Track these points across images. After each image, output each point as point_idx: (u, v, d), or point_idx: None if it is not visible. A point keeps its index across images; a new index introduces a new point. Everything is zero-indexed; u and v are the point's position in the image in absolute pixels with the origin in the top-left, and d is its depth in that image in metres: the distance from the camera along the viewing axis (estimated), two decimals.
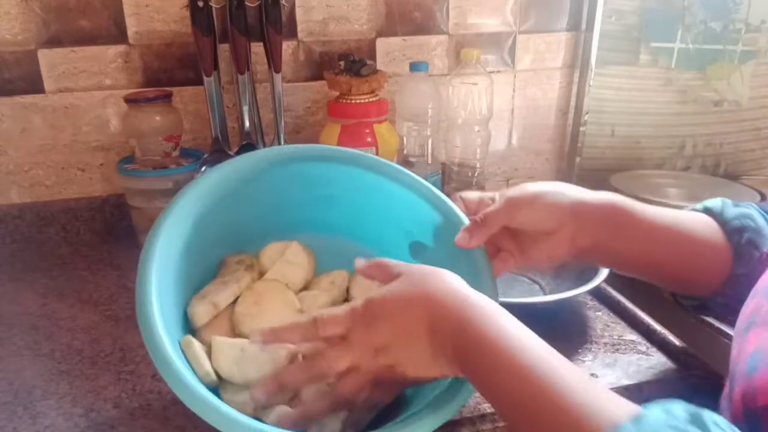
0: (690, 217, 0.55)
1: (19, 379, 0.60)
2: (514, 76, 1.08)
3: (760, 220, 0.53)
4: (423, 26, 1.00)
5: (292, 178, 0.58)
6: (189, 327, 0.53)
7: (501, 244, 0.56)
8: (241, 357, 0.49)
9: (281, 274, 0.58)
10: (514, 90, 1.09)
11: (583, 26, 1.06)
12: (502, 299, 0.50)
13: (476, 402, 0.55)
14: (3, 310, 0.73)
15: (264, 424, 0.42)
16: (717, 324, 0.71)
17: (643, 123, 1.15)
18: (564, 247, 0.53)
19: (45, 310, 0.73)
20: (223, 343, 0.50)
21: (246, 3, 0.79)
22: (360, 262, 0.52)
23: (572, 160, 1.13)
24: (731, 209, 0.54)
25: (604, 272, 0.69)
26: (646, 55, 1.11)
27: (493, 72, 1.04)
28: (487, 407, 0.54)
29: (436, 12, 1.00)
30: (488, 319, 0.42)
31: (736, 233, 0.52)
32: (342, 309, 0.47)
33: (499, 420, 0.54)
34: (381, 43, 0.99)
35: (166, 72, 0.92)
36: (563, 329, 0.67)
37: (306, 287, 0.59)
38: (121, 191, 0.89)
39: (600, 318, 0.69)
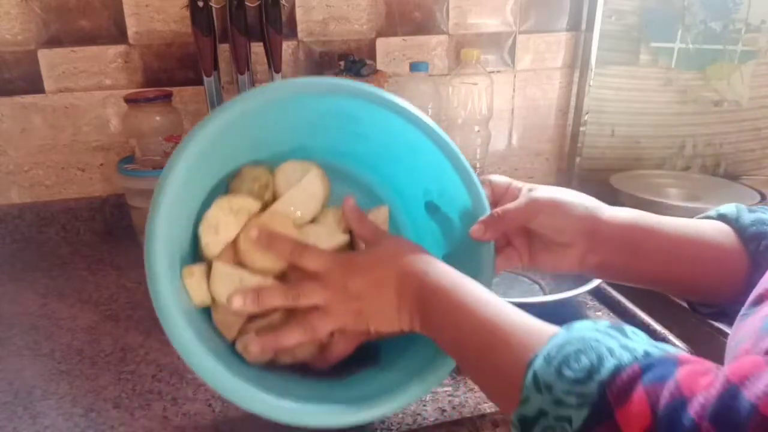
0: (706, 225, 0.54)
1: (19, 379, 0.60)
2: (514, 76, 1.08)
3: None
4: (423, 26, 1.00)
5: (324, 109, 0.55)
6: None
7: (512, 239, 0.56)
8: (239, 287, 0.50)
9: (291, 203, 0.56)
10: (514, 90, 1.09)
11: (583, 26, 1.06)
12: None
13: (476, 402, 0.55)
14: (3, 310, 0.73)
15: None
16: (717, 324, 0.71)
17: (643, 123, 1.15)
18: (572, 262, 0.53)
19: (45, 310, 0.73)
20: (223, 271, 0.51)
21: (246, 3, 0.79)
22: (350, 202, 0.56)
23: (572, 160, 1.13)
24: (747, 215, 0.53)
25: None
26: (646, 55, 1.11)
27: (493, 72, 1.04)
28: (487, 407, 0.54)
29: (436, 12, 1.00)
30: (446, 275, 0.47)
31: (753, 240, 0.51)
32: (328, 251, 0.52)
33: (499, 420, 0.54)
34: (381, 43, 0.99)
35: (166, 72, 0.92)
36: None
37: (314, 219, 0.58)
38: (121, 191, 0.89)
39: (600, 318, 0.69)
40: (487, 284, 0.51)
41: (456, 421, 0.53)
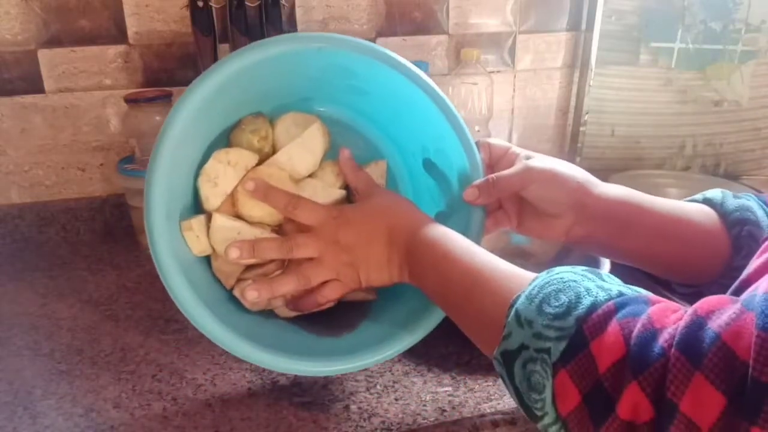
0: (692, 208, 0.56)
1: (19, 379, 0.60)
2: (514, 76, 1.08)
3: (760, 212, 0.53)
4: (423, 26, 1.00)
5: (323, 63, 0.55)
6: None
7: (503, 203, 0.58)
8: (237, 239, 0.52)
9: (289, 157, 0.56)
10: (514, 90, 1.09)
11: (583, 26, 1.06)
12: None
13: (476, 402, 0.55)
14: (3, 310, 0.73)
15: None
16: None
17: (643, 123, 1.15)
18: (558, 232, 0.55)
19: (45, 310, 0.73)
20: (222, 223, 0.53)
21: (246, 3, 0.79)
22: (345, 153, 0.58)
23: (572, 160, 1.13)
24: (731, 201, 0.55)
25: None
26: (646, 55, 1.11)
27: (493, 72, 1.04)
28: (487, 407, 0.54)
29: (436, 12, 1.00)
30: (434, 229, 0.49)
31: (736, 225, 0.52)
32: (321, 205, 0.53)
33: (499, 420, 0.54)
34: (381, 43, 0.99)
35: (166, 72, 0.92)
36: None
37: (312, 174, 0.59)
38: (121, 191, 0.89)
39: None
40: (476, 243, 0.51)
41: (456, 421, 0.53)
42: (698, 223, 0.54)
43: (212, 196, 0.54)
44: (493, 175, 0.54)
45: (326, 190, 0.58)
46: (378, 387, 0.57)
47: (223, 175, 0.54)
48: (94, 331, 0.68)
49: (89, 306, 0.73)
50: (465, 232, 0.50)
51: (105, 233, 0.93)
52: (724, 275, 0.53)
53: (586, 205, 0.53)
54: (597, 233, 0.54)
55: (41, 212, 0.91)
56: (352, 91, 0.59)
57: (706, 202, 0.56)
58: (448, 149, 0.57)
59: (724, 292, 0.53)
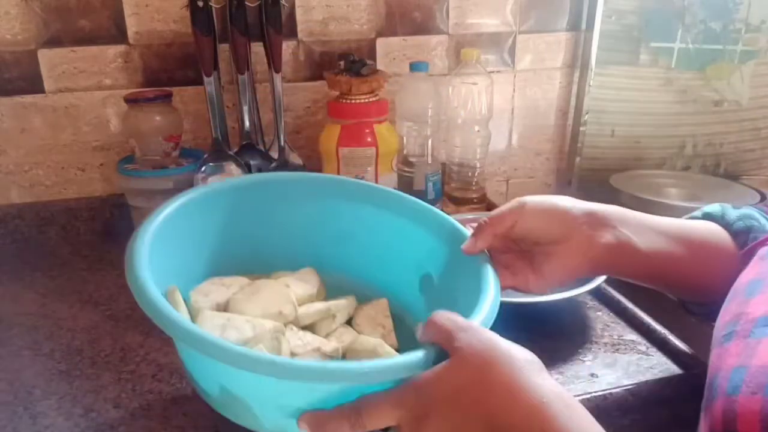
0: (694, 225, 0.54)
1: (19, 379, 0.60)
2: (514, 76, 1.08)
3: (762, 219, 0.53)
4: (423, 26, 1.00)
5: (310, 210, 0.58)
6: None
7: (511, 264, 0.53)
8: (226, 324, 0.48)
9: (287, 284, 0.55)
10: (514, 90, 1.09)
11: (583, 26, 1.06)
12: (502, 299, 0.50)
13: None
14: (3, 310, 0.73)
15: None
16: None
17: (643, 123, 1.15)
18: (579, 256, 0.50)
19: (45, 310, 0.73)
20: (210, 314, 0.49)
21: (246, 3, 0.79)
22: (420, 331, 0.44)
23: (572, 160, 1.13)
24: (732, 212, 0.54)
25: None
26: (646, 55, 1.11)
27: (493, 72, 1.04)
28: None
29: (436, 12, 1.00)
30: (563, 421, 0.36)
31: (742, 234, 0.52)
32: (391, 396, 0.40)
33: None
34: (381, 43, 0.99)
35: (166, 72, 0.92)
36: (563, 329, 0.67)
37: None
38: (121, 191, 0.89)
39: (600, 318, 0.69)
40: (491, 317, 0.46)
41: None
42: (704, 240, 0.52)
43: (201, 301, 0.51)
44: (483, 217, 0.52)
45: (323, 305, 0.55)
46: None
47: (216, 291, 0.53)
48: (94, 331, 0.68)
49: (89, 306, 0.73)
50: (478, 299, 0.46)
51: (105, 233, 0.93)
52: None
53: (593, 213, 0.51)
54: (616, 240, 0.50)
55: (41, 212, 0.91)
56: (334, 240, 0.59)
57: (707, 217, 0.55)
58: (439, 256, 0.55)
59: None
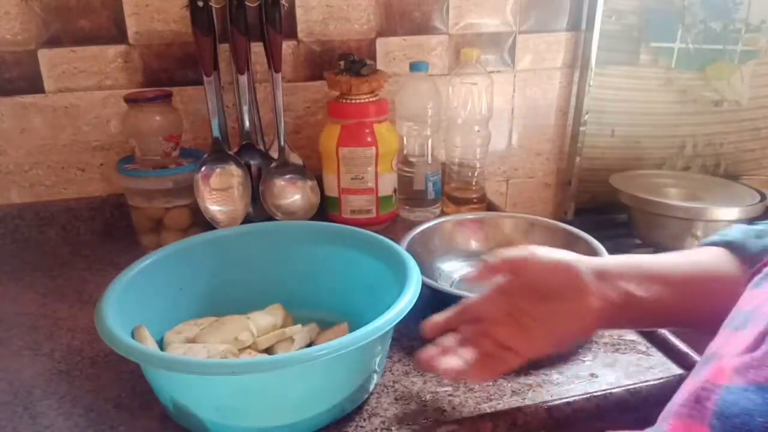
0: (707, 259, 0.51)
1: (19, 379, 0.60)
2: (514, 76, 1.08)
3: None
4: (423, 26, 1.00)
5: (277, 256, 0.67)
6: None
7: (521, 318, 0.50)
8: (187, 351, 0.56)
9: (250, 317, 0.61)
10: (514, 90, 1.09)
11: (583, 26, 1.06)
12: None
13: (476, 402, 0.55)
14: (3, 310, 0.73)
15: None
16: None
17: (643, 123, 1.16)
18: (594, 309, 0.48)
19: (45, 310, 0.73)
20: (175, 346, 0.57)
21: (246, 3, 0.79)
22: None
23: (572, 160, 1.13)
24: (753, 242, 0.50)
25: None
26: (646, 55, 1.11)
27: (493, 72, 1.04)
28: (487, 407, 0.54)
29: (436, 12, 1.00)
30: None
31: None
32: None
33: (499, 420, 0.54)
34: (381, 43, 0.99)
35: (166, 72, 0.92)
36: None
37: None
38: (121, 191, 0.89)
39: None
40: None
41: (456, 420, 0.53)
42: (718, 276, 0.50)
43: (173, 338, 0.59)
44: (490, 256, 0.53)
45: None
46: (378, 387, 0.57)
47: (188, 330, 0.60)
48: (94, 331, 0.67)
49: (89, 306, 0.73)
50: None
51: (105, 233, 0.93)
52: None
53: (602, 263, 0.50)
54: (629, 287, 0.49)
55: (41, 212, 0.91)
56: (298, 278, 0.66)
57: (728, 245, 0.51)
58: (385, 278, 0.60)
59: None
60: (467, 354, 0.50)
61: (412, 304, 0.52)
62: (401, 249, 0.62)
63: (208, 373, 0.45)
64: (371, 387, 0.55)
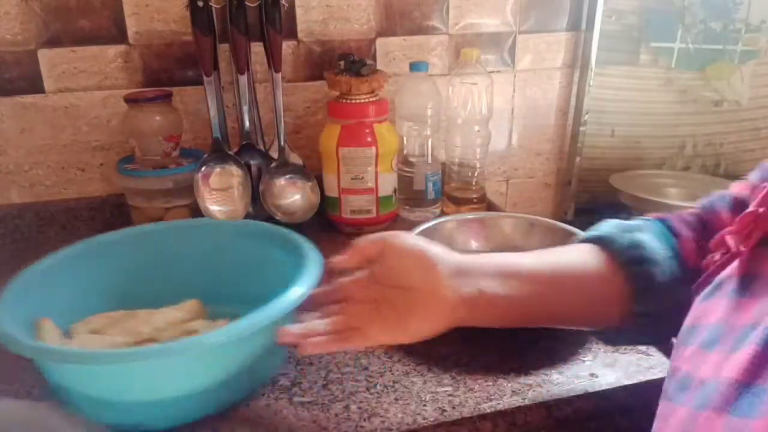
0: (575, 257, 0.52)
1: (18, 379, 0.59)
2: (514, 76, 1.08)
3: (652, 245, 0.49)
4: (423, 26, 1.00)
5: (193, 253, 0.69)
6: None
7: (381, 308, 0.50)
8: (85, 344, 0.58)
9: (162, 312, 0.62)
10: (514, 90, 1.09)
11: (583, 26, 1.06)
12: None
13: (476, 402, 0.55)
14: None
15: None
16: None
17: (643, 123, 1.16)
18: (446, 303, 0.48)
19: None
20: (81, 338, 0.58)
21: (246, 3, 0.79)
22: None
23: (572, 160, 1.13)
24: (625, 236, 0.51)
25: None
26: (646, 55, 1.11)
27: (493, 72, 1.04)
28: (487, 407, 0.54)
29: (436, 12, 1.00)
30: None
31: (628, 265, 0.49)
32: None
33: (499, 420, 0.54)
34: (381, 43, 0.99)
35: (166, 72, 0.92)
36: (563, 329, 0.67)
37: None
38: (121, 191, 0.89)
39: None
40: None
41: (456, 421, 0.53)
42: (584, 272, 0.50)
43: (80, 329, 0.60)
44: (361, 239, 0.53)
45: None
46: (378, 387, 0.57)
47: (96, 321, 0.61)
48: None
49: None
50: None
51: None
52: (624, 321, 0.50)
53: (460, 257, 0.50)
54: (486, 283, 0.49)
55: (41, 212, 0.91)
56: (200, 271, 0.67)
57: (599, 240, 0.52)
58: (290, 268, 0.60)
59: (637, 339, 0.53)
60: (317, 326, 0.50)
61: (279, 309, 0.52)
62: (310, 246, 0.62)
63: (43, 357, 0.50)
64: (260, 379, 0.58)
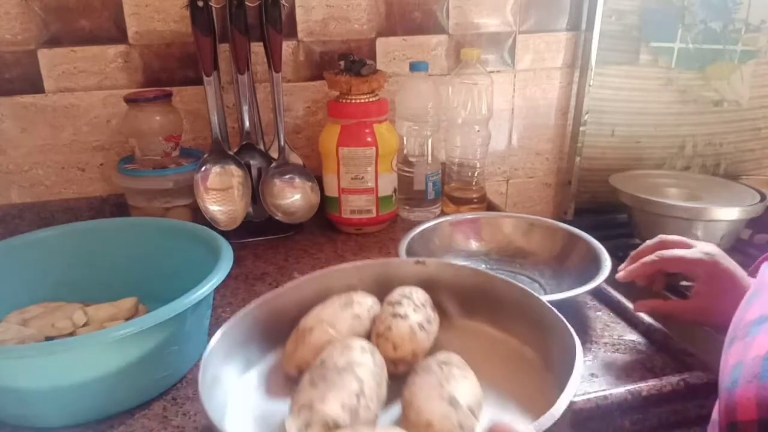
0: None
1: None
2: (514, 76, 1.08)
3: None
4: (423, 26, 1.00)
5: (130, 252, 0.70)
6: None
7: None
8: (4, 332, 0.60)
9: (92, 307, 0.64)
10: (514, 90, 1.09)
11: (583, 26, 1.06)
12: None
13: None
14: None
15: None
16: None
17: (643, 123, 1.15)
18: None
19: None
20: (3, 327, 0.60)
21: (246, 3, 0.79)
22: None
23: (572, 160, 1.13)
24: None
25: (604, 272, 0.69)
26: (646, 55, 1.11)
27: (493, 72, 1.04)
28: None
29: (436, 12, 1.00)
30: None
31: None
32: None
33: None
34: (381, 43, 0.99)
35: (166, 72, 0.92)
36: None
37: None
38: (121, 191, 0.89)
39: (600, 318, 0.69)
40: None
41: None
42: None
43: (12, 319, 0.62)
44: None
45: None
46: None
47: (32, 311, 0.63)
48: None
49: None
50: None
51: None
52: None
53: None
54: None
55: (41, 212, 0.91)
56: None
57: None
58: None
59: None
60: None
61: (171, 311, 0.53)
62: (224, 244, 0.63)
63: None
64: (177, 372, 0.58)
